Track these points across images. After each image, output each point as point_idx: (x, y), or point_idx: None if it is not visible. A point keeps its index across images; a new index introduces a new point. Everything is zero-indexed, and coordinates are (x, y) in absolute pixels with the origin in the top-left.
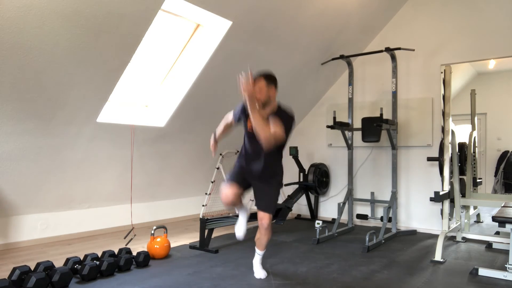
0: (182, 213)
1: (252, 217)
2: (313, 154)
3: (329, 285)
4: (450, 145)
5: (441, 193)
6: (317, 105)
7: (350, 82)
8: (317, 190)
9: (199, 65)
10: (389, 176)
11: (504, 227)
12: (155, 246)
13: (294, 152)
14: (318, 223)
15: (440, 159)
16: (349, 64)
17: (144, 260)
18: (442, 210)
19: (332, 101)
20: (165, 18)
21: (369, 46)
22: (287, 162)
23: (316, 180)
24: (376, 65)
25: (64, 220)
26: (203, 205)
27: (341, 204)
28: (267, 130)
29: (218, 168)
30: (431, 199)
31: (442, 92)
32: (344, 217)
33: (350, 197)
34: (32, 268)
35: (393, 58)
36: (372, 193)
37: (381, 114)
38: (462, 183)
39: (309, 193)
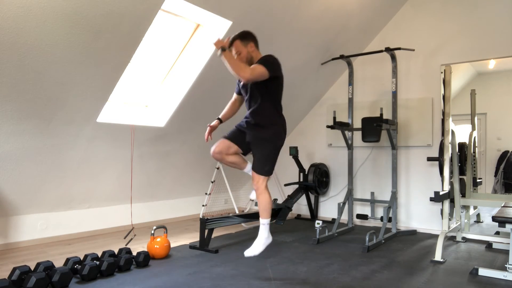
0: (182, 213)
1: (252, 217)
2: (313, 154)
3: (329, 285)
4: (450, 145)
5: (441, 193)
6: (317, 105)
7: (350, 82)
8: (317, 190)
9: (199, 65)
10: (389, 176)
11: (504, 227)
12: (155, 246)
13: (294, 152)
14: (318, 223)
15: (440, 159)
16: (349, 64)
17: (144, 260)
18: (442, 210)
19: (332, 101)
20: (165, 18)
21: (369, 46)
22: (287, 162)
23: (316, 180)
24: (376, 65)
25: (64, 220)
26: (203, 205)
27: (341, 204)
28: (241, 65)
29: (218, 168)
30: (431, 199)
31: (442, 92)
32: (344, 217)
33: (350, 197)
34: (32, 268)
35: (393, 58)
36: (372, 193)
37: (381, 114)
38: (462, 183)
39: (309, 193)
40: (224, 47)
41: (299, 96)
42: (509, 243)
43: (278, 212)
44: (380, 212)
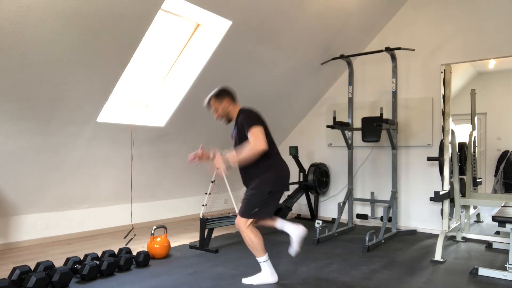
0: (182, 213)
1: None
2: (313, 154)
3: (329, 285)
4: (450, 145)
5: (441, 193)
6: (317, 105)
7: (350, 82)
8: (317, 190)
9: (199, 65)
10: (389, 176)
11: (504, 227)
12: (155, 246)
13: (294, 152)
14: (318, 223)
15: (440, 159)
16: (349, 64)
17: (144, 260)
18: (442, 210)
19: (332, 101)
20: (165, 18)
21: (369, 46)
22: (287, 162)
23: (316, 180)
24: (376, 65)
25: (64, 220)
26: (203, 205)
27: (341, 204)
28: (249, 151)
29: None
30: (431, 199)
31: (442, 92)
32: (344, 217)
33: (350, 197)
34: (32, 268)
35: (393, 58)
36: (372, 193)
37: (381, 114)
38: (462, 183)
39: (309, 193)
40: (227, 164)
41: (299, 96)
42: (509, 243)
43: (278, 212)
44: (380, 212)
